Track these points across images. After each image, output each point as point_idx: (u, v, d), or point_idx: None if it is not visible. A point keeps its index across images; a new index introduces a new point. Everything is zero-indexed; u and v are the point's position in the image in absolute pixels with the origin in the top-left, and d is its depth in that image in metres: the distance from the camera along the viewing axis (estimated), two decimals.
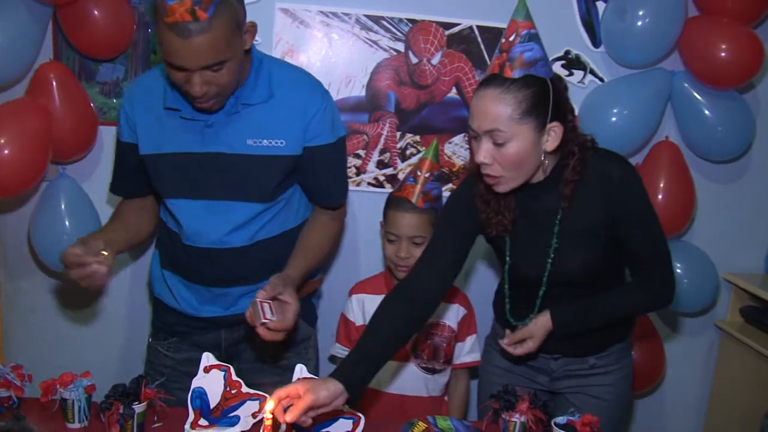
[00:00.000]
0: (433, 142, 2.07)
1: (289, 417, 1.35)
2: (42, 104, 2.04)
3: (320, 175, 1.74)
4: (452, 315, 2.03)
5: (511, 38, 1.48)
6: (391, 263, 2.00)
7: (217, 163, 1.64)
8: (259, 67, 1.65)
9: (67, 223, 2.12)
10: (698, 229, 2.46)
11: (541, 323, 1.61)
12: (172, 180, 1.68)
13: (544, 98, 1.46)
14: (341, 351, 2.08)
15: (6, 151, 1.95)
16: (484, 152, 1.48)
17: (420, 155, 2.17)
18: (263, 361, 1.81)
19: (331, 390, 1.42)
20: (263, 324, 1.49)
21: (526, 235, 1.63)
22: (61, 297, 2.36)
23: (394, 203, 2.00)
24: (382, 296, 1.94)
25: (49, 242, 2.13)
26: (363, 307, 2.05)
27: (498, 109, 1.44)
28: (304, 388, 1.39)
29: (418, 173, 1.99)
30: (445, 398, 2.09)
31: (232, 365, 1.62)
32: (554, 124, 1.48)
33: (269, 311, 1.50)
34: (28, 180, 2.05)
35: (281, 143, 1.65)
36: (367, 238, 2.38)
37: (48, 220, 2.13)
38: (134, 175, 1.76)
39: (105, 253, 1.52)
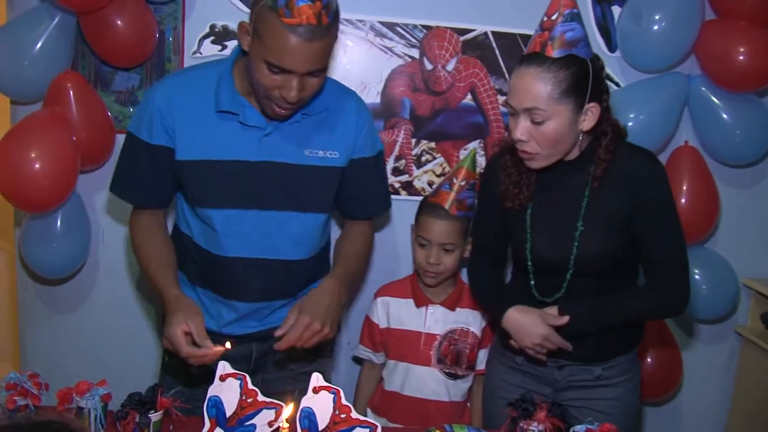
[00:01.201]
0: (471, 150, 2.11)
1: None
2: (64, 115, 2.04)
3: (369, 187, 1.77)
4: (476, 322, 2.04)
5: (554, 17, 1.49)
6: (420, 268, 2.02)
7: (274, 173, 1.61)
8: None
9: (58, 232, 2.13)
10: (718, 234, 2.43)
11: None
12: (220, 189, 1.61)
13: (584, 79, 1.48)
14: (364, 352, 2.11)
15: (37, 166, 1.94)
16: (522, 129, 1.51)
17: (457, 163, 2.18)
18: (286, 369, 1.80)
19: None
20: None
21: (548, 214, 1.64)
22: (76, 305, 2.36)
23: (427, 208, 2.01)
24: (407, 299, 2.04)
25: (38, 253, 2.14)
26: (387, 310, 2.08)
27: (538, 87, 1.46)
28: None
29: (454, 181, 2.01)
30: (468, 404, 2.08)
31: (257, 376, 1.67)
32: (592, 104, 1.50)
33: None
34: (61, 194, 2.03)
35: (335, 155, 1.66)
36: (389, 244, 2.36)
37: (41, 231, 2.12)
38: (158, 182, 1.65)
39: (228, 346, 1.49)
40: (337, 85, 1.72)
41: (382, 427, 1.52)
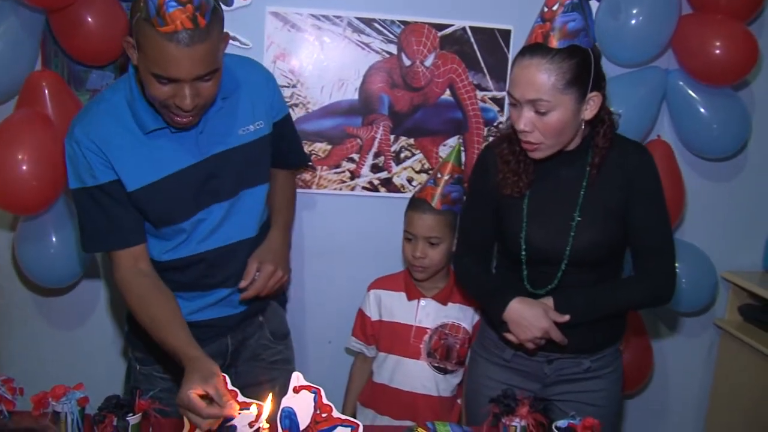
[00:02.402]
0: (456, 145, 2.11)
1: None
2: (45, 114, 1.99)
3: (292, 142, 1.88)
4: (468, 318, 2.05)
5: (554, 7, 1.49)
6: (408, 263, 2.05)
7: (221, 164, 1.61)
8: None
9: (53, 239, 2.09)
10: (696, 227, 2.45)
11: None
12: (179, 201, 1.60)
13: (587, 68, 1.49)
14: (356, 345, 2.14)
15: (24, 168, 1.90)
16: (526, 120, 1.51)
17: (443, 159, 2.19)
18: (258, 359, 1.83)
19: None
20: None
21: (545, 203, 1.64)
22: (51, 310, 2.33)
23: (413, 204, 2.04)
24: (399, 293, 2.06)
25: (34, 258, 2.10)
26: (380, 302, 2.10)
27: (542, 78, 1.47)
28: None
29: (439, 175, 2.03)
30: (458, 401, 2.08)
31: (231, 369, 1.71)
32: (594, 93, 1.52)
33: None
34: (49, 196, 1.99)
35: (261, 124, 1.69)
36: (374, 240, 2.36)
37: (34, 235, 2.09)
38: (130, 216, 1.59)
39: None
40: (236, 60, 1.70)
41: (365, 426, 1.51)
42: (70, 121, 1.99)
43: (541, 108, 1.49)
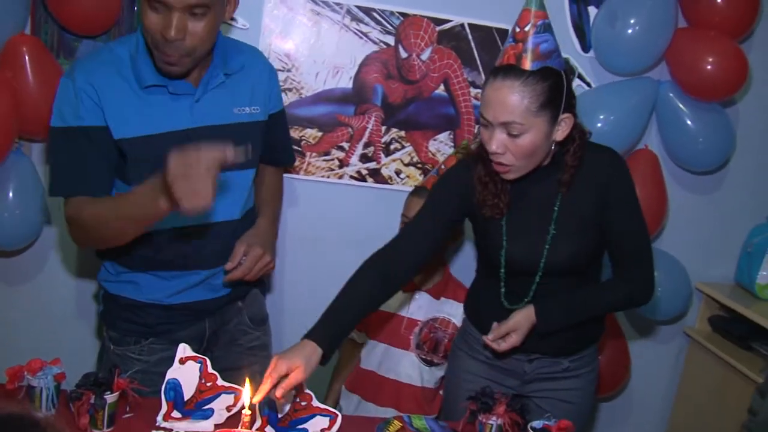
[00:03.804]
0: (464, 141, 2.14)
1: (279, 393, 1.38)
2: (6, 79, 1.94)
3: (283, 139, 1.92)
4: (459, 314, 2.05)
5: (526, 28, 1.47)
6: None
7: (211, 136, 1.57)
8: (224, 40, 1.66)
9: (10, 194, 2.04)
10: (674, 238, 2.49)
11: (525, 316, 1.61)
12: (161, 162, 1.55)
13: (559, 90, 1.48)
14: None
15: None
16: (497, 142, 1.49)
17: (449, 152, 2.23)
18: (236, 344, 1.83)
19: (314, 361, 1.46)
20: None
21: (523, 220, 1.64)
22: (28, 278, 2.28)
23: (414, 191, 2.09)
24: None
25: None
26: None
27: (516, 101, 1.44)
28: (294, 366, 1.41)
29: (443, 167, 2.07)
30: (441, 392, 2.10)
31: (208, 353, 1.68)
32: (566, 115, 1.51)
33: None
34: None
35: (257, 110, 1.71)
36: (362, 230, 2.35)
37: None
38: (105, 164, 1.57)
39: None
40: (243, 45, 1.77)
41: (344, 416, 1.53)
42: (48, 86, 1.97)
43: (513, 131, 1.46)
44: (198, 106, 1.60)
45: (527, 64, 1.45)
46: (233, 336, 1.83)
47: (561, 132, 1.52)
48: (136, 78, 1.56)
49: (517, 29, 1.49)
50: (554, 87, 1.46)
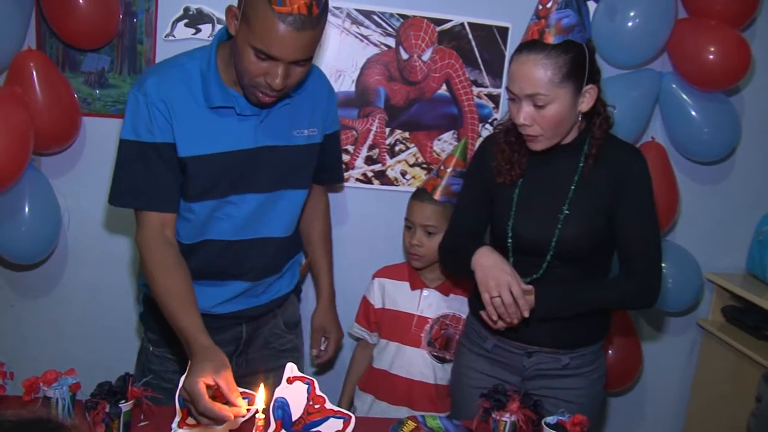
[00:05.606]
0: (463, 140, 2.15)
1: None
2: (20, 95, 1.97)
3: (334, 159, 1.93)
4: (468, 309, 2.04)
5: (548, 5, 1.54)
6: (406, 251, 2.11)
7: (269, 157, 1.63)
8: None
9: (26, 211, 2.06)
10: (683, 229, 2.49)
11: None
12: (223, 180, 1.61)
13: (582, 62, 1.54)
14: (359, 331, 2.19)
15: None
16: (525, 114, 1.56)
17: (449, 151, 2.21)
18: (269, 348, 1.86)
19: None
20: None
21: (536, 196, 1.68)
22: (44, 291, 2.30)
23: (416, 194, 2.11)
24: (403, 282, 2.11)
25: (7, 237, 2.07)
26: (383, 291, 2.15)
27: (539, 73, 1.51)
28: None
29: (442, 168, 2.08)
30: None
31: (242, 356, 1.80)
32: (590, 86, 1.57)
33: None
34: (7, 178, 1.94)
35: (314, 132, 1.72)
36: (355, 232, 2.36)
37: (8, 212, 2.04)
38: (173, 181, 1.58)
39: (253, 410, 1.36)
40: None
41: (357, 417, 1.53)
42: (56, 101, 2.03)
43: (539, 102, 1.53)
44: (261, 126, 1.62)
45: (550, 39, 1.52)
46: (267, 339, 1.86)
47: (586, 103, 1.58)
48: (204, 97, 1.56)
49: (540, 6, 1.55)
50: (576, 59, 1.53)
